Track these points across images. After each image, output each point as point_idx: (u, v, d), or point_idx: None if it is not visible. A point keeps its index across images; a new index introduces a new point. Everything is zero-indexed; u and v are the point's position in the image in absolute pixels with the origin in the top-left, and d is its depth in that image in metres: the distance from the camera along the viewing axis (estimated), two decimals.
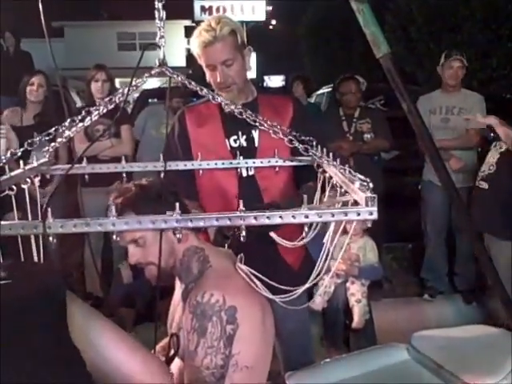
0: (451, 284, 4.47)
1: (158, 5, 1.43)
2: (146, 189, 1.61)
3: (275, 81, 24.59)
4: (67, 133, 1.49)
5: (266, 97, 2.31)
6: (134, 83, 1.47)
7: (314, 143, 1.59)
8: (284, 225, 1.14)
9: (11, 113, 4.09)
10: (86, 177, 1.73)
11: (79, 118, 1.50)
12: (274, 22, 26.45)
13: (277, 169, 1.97)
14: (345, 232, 1.37)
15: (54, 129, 1.47)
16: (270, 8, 24.32)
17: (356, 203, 1.17)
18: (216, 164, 1.88)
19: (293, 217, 1.11)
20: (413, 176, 5.42)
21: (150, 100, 7.47)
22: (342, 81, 4.58)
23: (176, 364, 1.61)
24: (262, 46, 21.61)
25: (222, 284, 1.55)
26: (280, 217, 1.11)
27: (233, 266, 1.63)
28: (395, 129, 4.44)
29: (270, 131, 1.62)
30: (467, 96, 4.30)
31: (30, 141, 1.45)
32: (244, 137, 2.20)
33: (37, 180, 1.58)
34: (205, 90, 1.53)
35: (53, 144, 1.52)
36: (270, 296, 1.55)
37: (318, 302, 3.39)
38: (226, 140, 2.21)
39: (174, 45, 23.80)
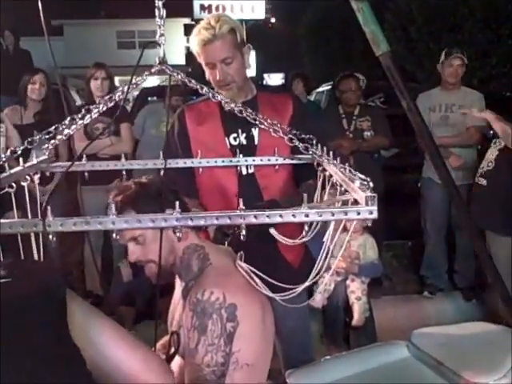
0: (451, 281, 4.47)
1: (159, 3, 1.43)
2: (146, 187, 1.61)
3: (275, 79, 24.55)
4: (67, 131, 1.49)
5: (266, 95, 2.31)
6: (133, 81, 1.47)
7: (314, 142, 1.59)
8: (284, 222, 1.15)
9: (11, 111, 4.08)
10: (86, 174, 1.74)
11: (79, 116, 1.50)
12: (273, 20, 26.41)
13: (277, 167, 1.97)
14: (345, 230, 1.37)
15: (53, 127, 1.47)
16: (270, 7, 24.29)
17: (356, 202, 1.17)
18: (216, 162, 1.88)
19: (293, 216, 1.11)
20: (412, 173, 5.43)
21: (149, 98, 7.48)
22: (342, 79, 4.58)
23: (176, 362, 1.61)
24: (262, 45, 21.57)
25: (222, 282, 1.55)
26: (280, 216, 1.11)
27: (233, 264, 1.63)
28: (395, 126, 4.44)
29: (270, 130, 1.62)
30: (467, 94, 4.30)
31: (29, 139, 1.45)
32: (244, 135, 2.20)
33: (36, 177, 1.58)
34: (205, 88, 1.53)
35: (52, 141, 1.52)
36: (270, 294, 1.55)
37: (318, 299, 3.40)
38: (226, 138, 2.21)
39: (174, 43, 23.78)
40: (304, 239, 1.35)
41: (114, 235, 1.38)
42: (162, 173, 1.69)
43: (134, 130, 4.52)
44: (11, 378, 0.87)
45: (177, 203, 1.10)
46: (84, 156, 1.70)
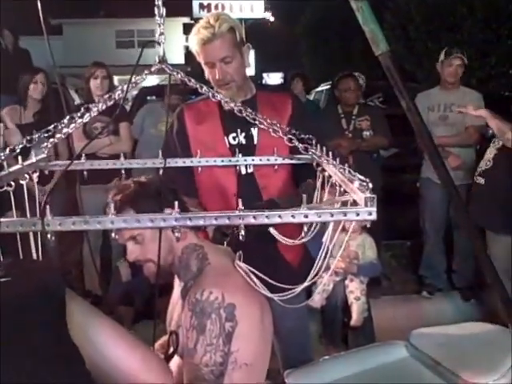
0: (449, 281, 4.48)
1: (158, 2, 1.43)
2: (146, 186, 1.61)
3: (274, 78, 24.55)
4: (66, 130, 1.49)
5: (265, 94, 2.30)
6: (133, 80, 1.47)
7: (314, 142, 1.58)
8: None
9: (10, 111, 4.08)
10: (85, 174, 1.73)
11: (78, 114, 1.50)
12: (272, 19, 26.42)
13: (276, 167, 1.97)
14: (344, 230, 1.37)
15: (52, 126, 1.47)
16: (269, 6, 24.32)
17: (355, 203, 1.17)
18: (215, 161, 1.88)
19: (292, 216, 1.11)
20: (411, 173, 5.42)
21: (148, 98, 7.45)
22: (341, 78, 4.58)
23: (175, 362, 1.61)
24: (261, 44, 21.58)
25: (220, 281, 1.54)
26: (279, 216, 1.11)
27: (232, 264, 1.63)
28: (394, 126, 4.44)
29: (270, 130, 1.62)
30: (466, 93, 4.30)
31: (28, 138, 1.45)
32: (243, 134, 2.20)
33: (35, 176, 1.57)
34: (205, 88, 1.52)
35: (51, 140, 1.51)
36: (269, 294, 1.55)
37: (317, 299, 3.39)
38: (225, 137, 2.21)
39: (173, 42, 23.76)
40: (304, 239, 1.34)
41: (113, 234, 1.38)
42: (161, 172, 1.69)
43: (132, 130, 4.51)
44: (11, 377, 0.87)
45: (176, 203, 1.10)
46: (83, 155, 1.70)
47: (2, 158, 1.40)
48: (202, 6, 20.88)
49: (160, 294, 1.67)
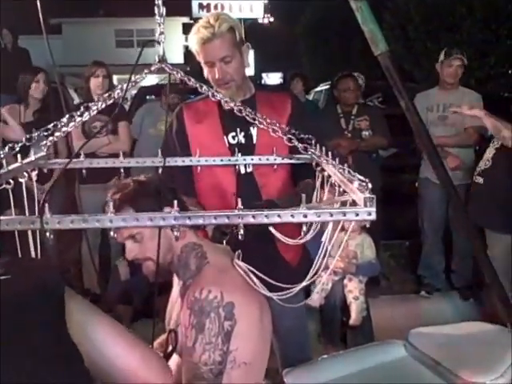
0: (448, 281, 4.48)
1: (158, 1, 1.43)
2: (145, 185, 1.61)
3: (273, 78, 24.56)
4: (65, 128, 1.49)
5: (264, 93, 2.30)
6: (133, 79, 1.47)
7: (313, 141, 1.59)
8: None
9: (9, 110, 4.07)
10: (84, 172, 1.73)
11: (78, 113, 1.50)
12: (272, 19, 26.44)
13: (275, 166, 1.97)
14: (343, 229, 1.37)
15: (52, 124, 1.47)
16: (269, 6, 24.33)
17: (354, 203, 1.17)
18: (214, 161, 1.88)
19: (291, 216, 1.11)
20: (410, 173, 5.42)
21: (147, 97, 7.45)
22: (340, 78, 4.57)
23: (174, 360, 1.61)
24: (260, 44, 21.59)
25: (219, 280, 1.55)
26: (278, 216, 1.11)
27: (231, 263, 1.63)
28: (393, 126, 4.44)
29: (269, 130, 1.62)
30: (465, 94, 4.30)
31: (27, 136, 1.45)
32: (242, 133, 2.20)
33: (34, 174, 1.57)
34: (204, 87, 1.53)
35: (51, 138, 1.51)
36: (267, 294, 1.55)
37: (316, 298, 3.39)
38: (224, 137, 2.20)
39: (172, 42, 23.76)
40: (303, 240, 1.35)
41: (112, 233, 1.38)
42: (160, 171, 1.69)
43: (132, 129, 4.51)
44: (10, 376, 0.87)
45: (175, 202, 1.10)
46: (82, 155, 1.70)
47: (1, 156, 1.40)
48: (201, 6, 20.88)
49: (159, 292, 1.67)
